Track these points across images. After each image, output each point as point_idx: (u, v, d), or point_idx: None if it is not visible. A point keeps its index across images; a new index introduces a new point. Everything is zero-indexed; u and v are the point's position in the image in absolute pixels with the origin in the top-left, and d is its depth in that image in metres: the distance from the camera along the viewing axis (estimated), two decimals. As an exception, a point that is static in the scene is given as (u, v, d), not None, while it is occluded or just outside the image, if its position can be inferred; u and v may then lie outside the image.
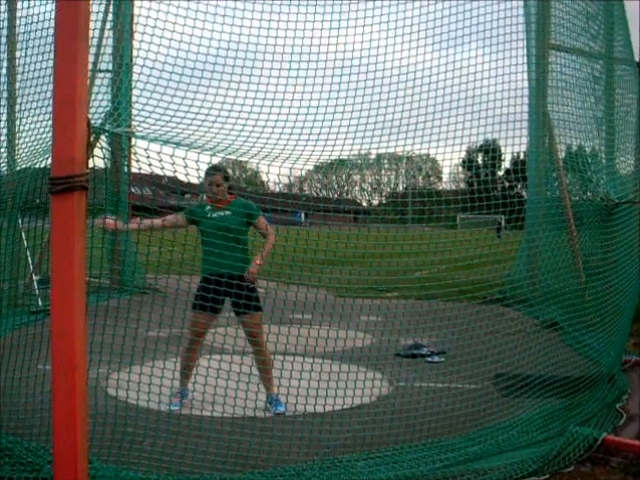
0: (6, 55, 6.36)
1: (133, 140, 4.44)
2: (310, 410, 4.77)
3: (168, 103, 4.46)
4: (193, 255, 5.04)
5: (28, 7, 5.26)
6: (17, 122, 5.65)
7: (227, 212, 5.42)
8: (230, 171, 5.79)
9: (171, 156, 3.79)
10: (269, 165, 4.32)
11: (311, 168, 5.03)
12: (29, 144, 4.99)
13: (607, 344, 6.21)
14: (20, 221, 6.76)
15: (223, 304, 5.36)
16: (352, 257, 5.52)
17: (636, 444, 4.72)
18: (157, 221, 5.15)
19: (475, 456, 4.51)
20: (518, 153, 6.33)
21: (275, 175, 4.29)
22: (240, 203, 5.50)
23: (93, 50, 5.78)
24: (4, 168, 5.68)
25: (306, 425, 4.76)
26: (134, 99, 4.85)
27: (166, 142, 3.98)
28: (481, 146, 6.75)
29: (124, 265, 9.83)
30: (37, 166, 4.66)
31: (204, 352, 5.58)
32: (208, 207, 5.47)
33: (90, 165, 3.17)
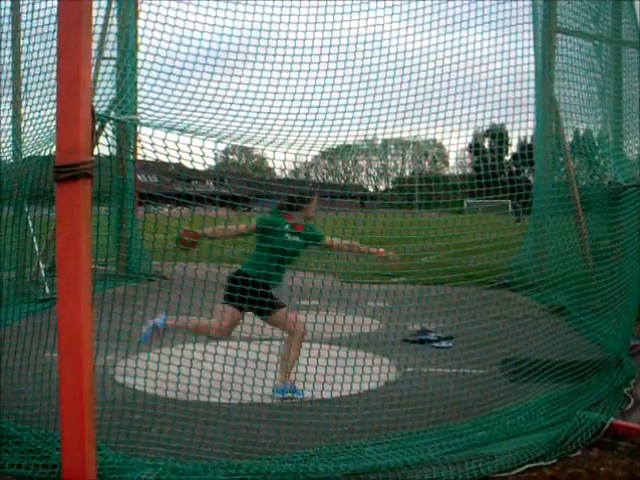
0: (10, 43, 6.36)
1: (138, 127, 4.43)
2: (318, 396, 4.78)
3: (172, 90, 4.45)
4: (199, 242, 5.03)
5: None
6: (22, 111, 5.64)
7: (298, 238, 5.47)
8: (236, 158, 5.77)
9: (176, 143, 3.78)
10: (274, 151, 4.31)
11: (317, 154, 5.01)
12: (34, 132, 4.99)
13: (615, 329, 6.19)
14: (27, 209, 6.78)
15: None
16: (360, 243, 5.51)
17: (644, 428, 4.72)
18: (219, 231, 5.18)
19: (483, 441, 4.52)
20: (525, 137, 6.29)
21: (281, 161, 4.26)
22: (310, 230, 5.55)
23: (97, 37, 5.76)
24: (10, 157, 5.68)
25: (314, 411, 4.77)
26: (139, 86, 4.84)
27: (171, 129, 3.97)
28: (488, 130, 6.71)
29: (130, 252, 9.85)
30: (42, 154, 4.66)
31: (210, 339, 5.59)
32: (287, 226, 5.45)
33: (95, 152, 3.16)
